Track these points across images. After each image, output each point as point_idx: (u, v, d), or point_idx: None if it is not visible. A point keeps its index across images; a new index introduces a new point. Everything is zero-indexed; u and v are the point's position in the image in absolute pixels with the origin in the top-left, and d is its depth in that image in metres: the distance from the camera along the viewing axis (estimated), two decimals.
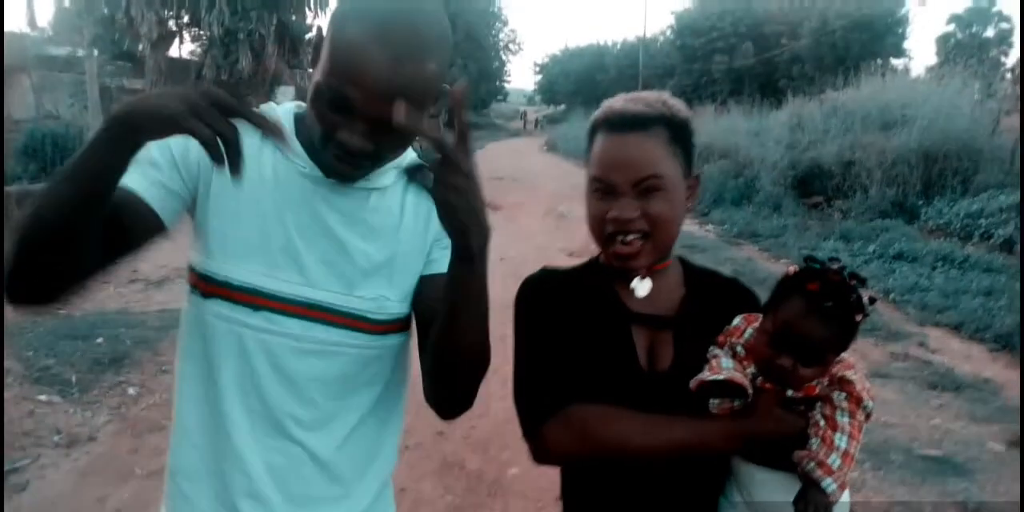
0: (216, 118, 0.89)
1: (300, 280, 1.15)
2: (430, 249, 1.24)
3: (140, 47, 18.52)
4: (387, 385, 1.27)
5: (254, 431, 1.19)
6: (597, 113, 1.29)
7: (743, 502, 1.22)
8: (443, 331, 1.10)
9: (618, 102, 1.27)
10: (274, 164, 1.18)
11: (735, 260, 8.68)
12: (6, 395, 4.31)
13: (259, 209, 1.15)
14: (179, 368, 1.26)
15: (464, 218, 0.97)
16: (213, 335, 1.18)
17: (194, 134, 0.88)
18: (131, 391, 4.47)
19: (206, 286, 1.17)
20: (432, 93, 1.07)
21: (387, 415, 1.30)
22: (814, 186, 13.40)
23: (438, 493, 3.43)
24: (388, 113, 0.99)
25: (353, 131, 1.05)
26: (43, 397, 4.35)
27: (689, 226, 12.19)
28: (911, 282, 7.53)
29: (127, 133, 0.92)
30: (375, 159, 1.11)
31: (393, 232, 1.21)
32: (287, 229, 1.15)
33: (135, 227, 1.08)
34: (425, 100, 1.06)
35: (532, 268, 1.39)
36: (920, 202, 11.43)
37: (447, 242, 1.05)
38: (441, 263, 1.17)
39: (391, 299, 1.20)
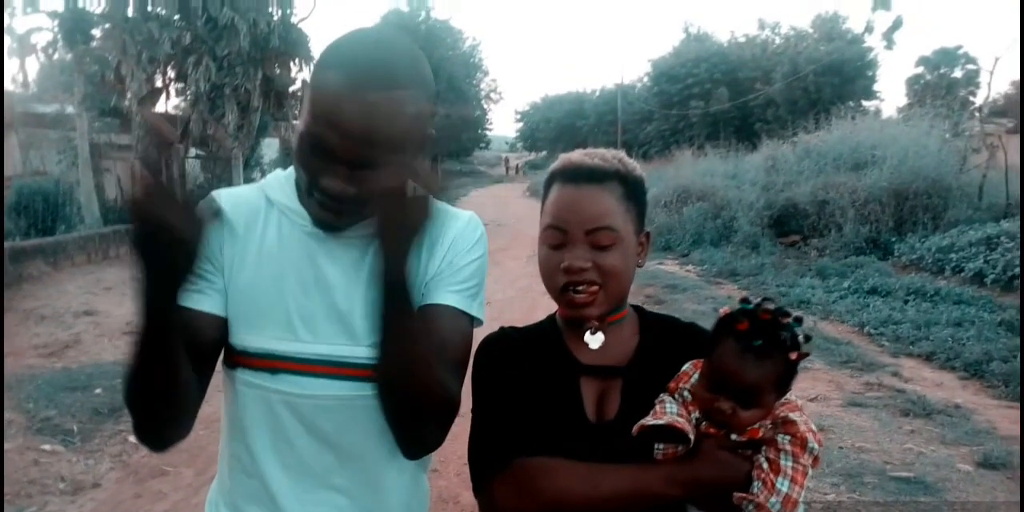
0: (180, 216, 0.94)
1: (310, 338, 1.17)
2: (426, 283, 1.22)
3: (127, 103, 18.85)
4: None
5: (295, 489, 1.21)
6: (554, 165, 1.31)
7: None
8: (376, 364, 1.10)
9: (575, 156, 1.29)
10: (279, 229, 1.20)
11: (715, 299, 8.89)
12: (10, 445, 4.43)
13: (267, 276, 1.18)
14: (221, 437, 1.31)
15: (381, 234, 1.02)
16: (244, 402, 1.21)
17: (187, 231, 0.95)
18: (131, 439, 4.54)
19: (229, 356, 1.20)
20: (413, 135, 1.08)
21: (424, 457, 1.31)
22: (790, 225, 13.76)
23: None
24: (366, 155, 1.04)
25: (335, 175, 1.06)
26: (46, 447, 4.46)
27: (670, 266, 12.43)
28: (884, 315, 7.77)
29: (159, 303, 0.98)
30: (359, 204, 1.09)
31: None
32: (293, 290, 1.17)
33: (208, 339, 1.16)
34: (405, 142, 1.07)
35: (517, 311, 1.48)
36: (893, 239, 11.72)
37: (441, 277, 1.17)
38: (429, 296, 1.20)
39: None
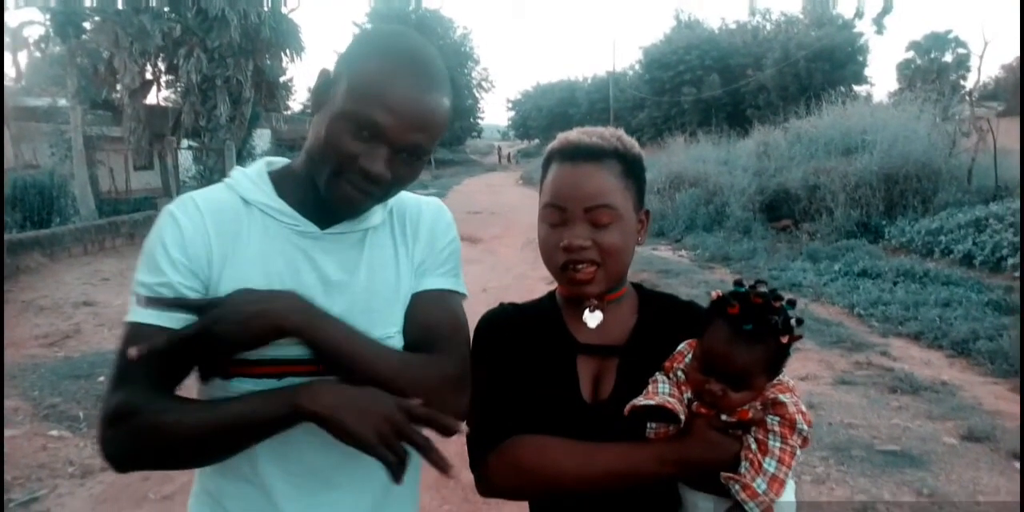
0: (400, 448, 0.98)
1: None
2: (414, 271, 1.25)
3: (118, 96, 18.85)
4: None
5: (298, 493, 1.18)
6: (553, 144, 1.30)
7: None
8: None
9: (573, 134, 1.29)
10: (264, 231, 1.16)
11: (708, 283, 8.98)
12: (18, 432, 4.52)
13: (260, 281, 1.12)
14: None
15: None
16: None
17: (375, 457, 0.98)
18: None
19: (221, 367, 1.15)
20: (446, 124, 1.13)
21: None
22: (781, 210, 13.90)
23: (436, 503, 3.65)
24: (415, 140, 1.08)
25: (378, 157, 1.08)
26: (54, 432, 4.55)
27: (664, 252, 12.53)
28: (874, 297, 7.89)
29: (303, 421, 1.01)
30: (386, 190, 1.13)
31: (393, 266, 1.23)
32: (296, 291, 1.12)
33: (190, 356, 1.12)
34: (441, 130, 1.12)
35: (513, 297, 1.48)
36: (883, 222, 11.86)
37: (427, 264, 1.22)
38: (421, 283, 1.24)
39: (400, 333, 1.20)
